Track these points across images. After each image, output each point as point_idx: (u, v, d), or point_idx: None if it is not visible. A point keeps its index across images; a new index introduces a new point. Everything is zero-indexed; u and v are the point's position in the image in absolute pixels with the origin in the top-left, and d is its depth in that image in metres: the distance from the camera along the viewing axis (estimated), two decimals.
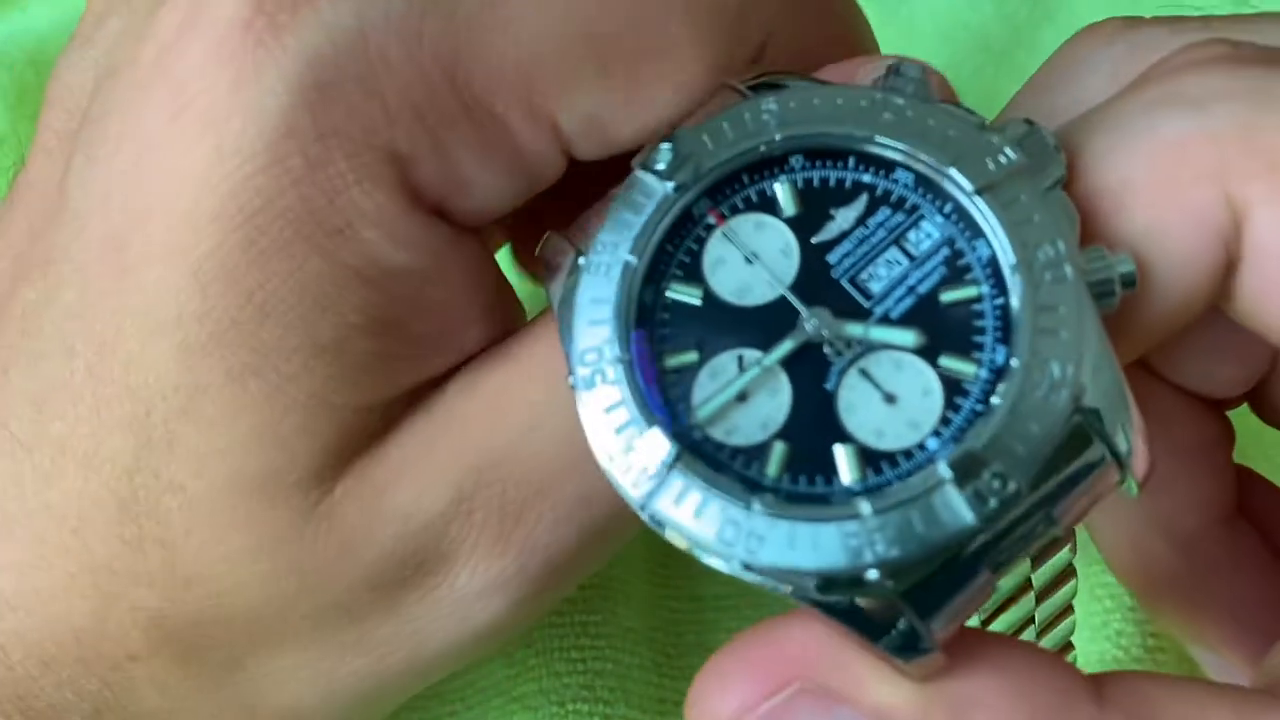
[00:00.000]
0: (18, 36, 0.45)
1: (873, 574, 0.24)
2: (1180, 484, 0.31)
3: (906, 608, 0.24)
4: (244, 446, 0.27)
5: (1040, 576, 0.27)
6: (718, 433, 0.25)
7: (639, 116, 0.28)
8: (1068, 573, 0.27)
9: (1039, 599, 0.27)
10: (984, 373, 0.25)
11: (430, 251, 0.27)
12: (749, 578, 0.24)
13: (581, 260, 0.26)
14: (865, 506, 0.24)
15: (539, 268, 0.28)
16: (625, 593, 0.37)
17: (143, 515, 0.27)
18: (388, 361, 0.27)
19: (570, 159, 0.28)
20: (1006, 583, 0.26)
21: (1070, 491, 0.24)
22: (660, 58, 0.27)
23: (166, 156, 0.26)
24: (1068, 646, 0.30)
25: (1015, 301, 0.25)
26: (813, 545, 0.24)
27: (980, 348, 0.25)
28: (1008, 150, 0.25)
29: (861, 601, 0.24)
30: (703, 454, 0.25)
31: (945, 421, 0.25)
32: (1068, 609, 0.29)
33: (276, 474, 0.27)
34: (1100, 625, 0.36)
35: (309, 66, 0.26)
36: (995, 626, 0.27)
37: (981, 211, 0.25)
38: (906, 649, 0.24)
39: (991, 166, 0.25)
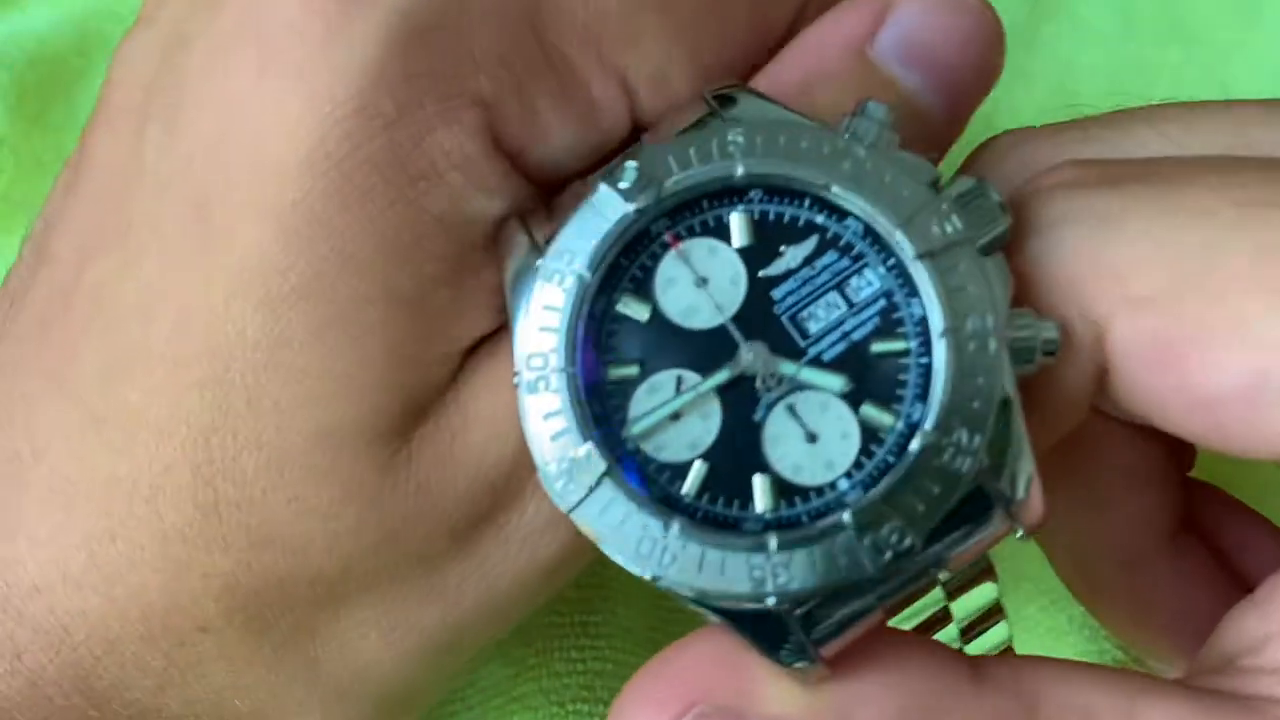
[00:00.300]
0: (18, 37, 0.44)
1: (771, 600, 0.26)
2: (1124, 504, 0.33)
3: (798, 630, 0.26)
4: (325, 400, 0.27)
5: (963, 608, 0.29)
6: (648, 447, 0.27)
7: (696, 74, 0.29)
8: (994, 610, 0.29)
9: (965, 634, 0.29)
10: (900, 425, 0.27)
11: (507, 198, 0.28)
12: (658, 586, 0.26)
13: (539, 261, 0.27)
14: (772, 541, 0.26)
15: None
16: (625, 593, 0.38)
17: (219, 477, 0.27)
18: (464, 311, 0.28)
19: (634, 121, 0.30)
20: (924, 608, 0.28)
21: (962, 542, 0.27)
22: (717, 15, 0.29)
23: (254, 113, 0.27)
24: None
25: (938, 366, 0.26)
26: (719, 570, 0.26)
27: (900, 400, 0.27)
28: (955, 217, 0.26)
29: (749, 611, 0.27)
30: (630, 468, 0.27)
31: (859, 465, 0.27)
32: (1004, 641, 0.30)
33: (357, 426, 0.27)
34: (1096, 627, 0.38)
35: (398, 15, 0.27)
36: None
37: (920, 275, 0.26)
38: (801, 658, 0.26)
39: (936, 231, 0.26)
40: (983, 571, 0.29)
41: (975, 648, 0.30)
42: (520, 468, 0.29)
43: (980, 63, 0.30)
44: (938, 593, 0.29)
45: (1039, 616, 0.39)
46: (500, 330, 0.30)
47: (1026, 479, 0.27)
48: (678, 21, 0.29)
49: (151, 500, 0.28)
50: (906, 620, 0.28)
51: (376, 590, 0.29)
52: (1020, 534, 0.27)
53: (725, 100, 0.29)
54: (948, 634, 0.29)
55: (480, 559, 0.29)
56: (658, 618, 0.39)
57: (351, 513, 0.28)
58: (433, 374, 0.29)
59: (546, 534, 0.29)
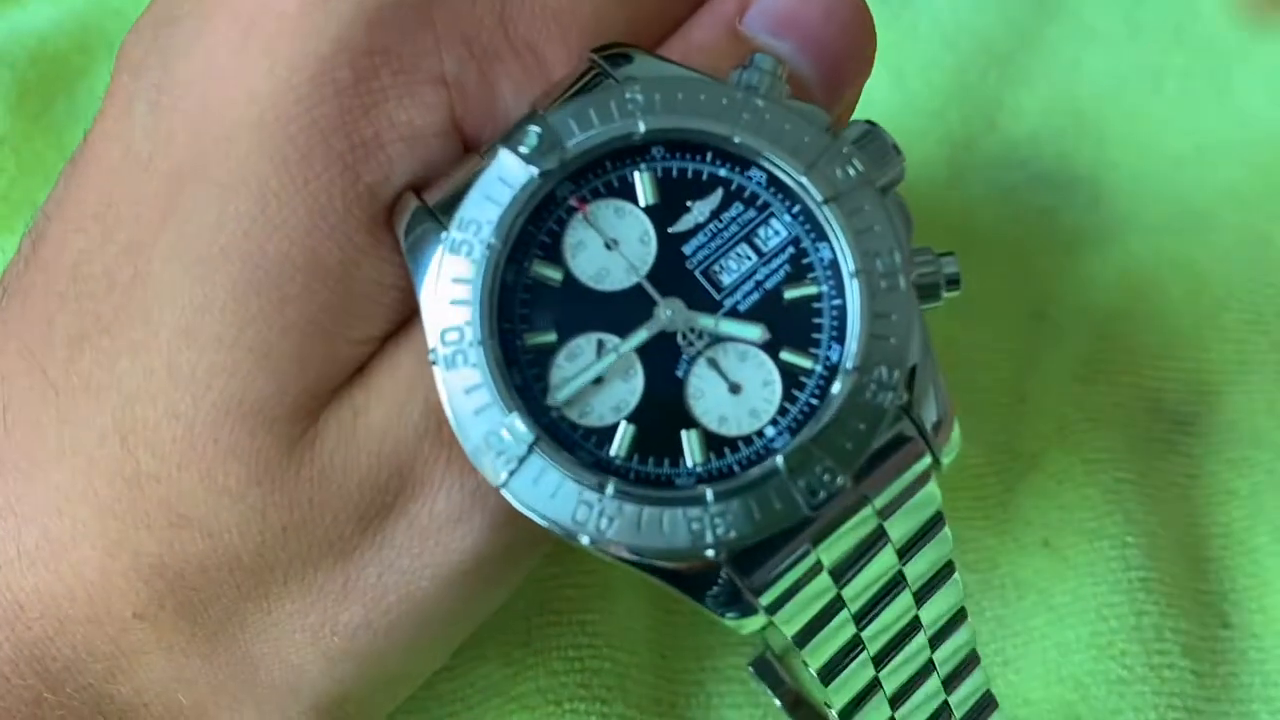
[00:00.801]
0: (19, 35, 0.43)
1: (710, 552, 0.26)
2: None
3: (733, 572, 0.26)
4: (239, 370, 0.27)
5: (930, 613, 0.29)
6: (572, 414, 0.27)
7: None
8: (959, 616, 0.30)
9: (946, 684, 0.30)
10: (819, 368, 0.27)
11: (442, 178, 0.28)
12: (595, 550, 0.26)
13: (444, 233, 0.27)
14: (708, 493, 0.26)
15: None
16: (624, 591, 0.38)
17: (140, 447, 0.27)
18: (387, 292, 0.28)
19: None
20: (888, 620, 0.29)
21: (886, 475, 0.27)
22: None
23: (229, 82, 0.27)
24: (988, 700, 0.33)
25: (852, 306, 0.27)
26: (659, 528, 0.26)
27: (817, 344, 0.27)
28: (855, 161, 0.27)
29: (680, 566, 0.27)
30: (558, 436, 0.26)
31: (783, 411, 0.27)
32: (971, 657, 0.31)
33: (267, 400, 0.27)
34: (1105, 645, 0.38)
35: None
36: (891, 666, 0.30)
37: (828, 219, 0.27)
38: (730, 603, 0.27)
39: (839, 176, 0.27)
40: (955, 617, 0.31)
41: (957, 698, 0.31)
42: (424, 450, 0.28)
43: (849, 29, 0.31)
44: (908, 598, 0.29)
45: (1046, 630, 0.38)
46: (412, 314, 0.29)
47: (940, 410, 0.27)
48: (645, 14, 0.30)
49: (88, 472, 0.28)
50: (879, 636, 0.29)
51: (296, 582, 0.28)
52: (941, 462, 0.28)
53: (618, 60, 0.28)
54: (929, 688, 0.30)
55: (394, 552, 0.29)
56: (656, 616, 0.39)
57: (258, 493, 0.27)
58: (347, 355, 0.28)
59: (461, 527, 0.29)
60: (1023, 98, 0.44)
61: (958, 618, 0.32)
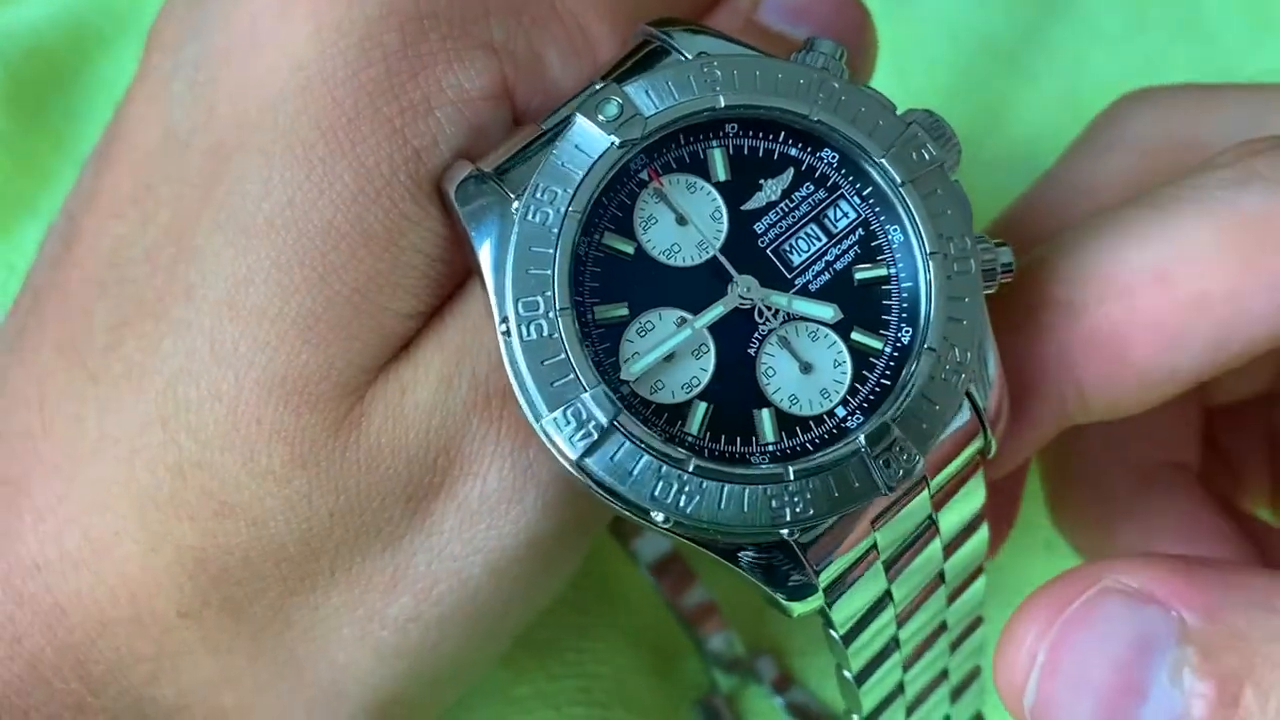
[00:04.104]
0: (14, 32, 0.41)
1: (785, 531, 0.26)
2: (1144, 418, 0.33)
3: (799, 550, 0.26)
4: (283, 343, 0.26)
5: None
6: (643, 389, 0.26)
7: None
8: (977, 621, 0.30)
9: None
10: (889, 349, 0.27)
11: (495, 145, 0.27)
12: (670, 527, 0.26)
13: (515, 203, 0.26)
14: (790, 471, 0.25)
15: None
16: (624, 594, 0.37)
17: (182, 432, 0.26)
18: (434, 265, 0.27)
19: None
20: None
21: (944, 457, 0.27)
22: None
23: (271, 50, 0.26)
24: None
25: (929, 288, 0.27)
26: (740, 505, 0.25)
27: (887, 325, 0.27)
28: (930, 146, 0.27)
29: (751, 554, 0.26)
30: (634, 412, 0.26)
31: (853, 392, 0.27)
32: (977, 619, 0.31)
33: (312, 378, 0.26)
34: None
35: None
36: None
37: (905, 201, 0.27)
38: (799, 591, 0.27)
39: (915, 159, 0.27)
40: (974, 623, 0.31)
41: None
42: (473, 426, 0.27)
43: (855, 17, 0.32)
44: (942, 598, 0.30)
45: None
46: (457, 289, 0.28)
47: (998, 392, 0.28)
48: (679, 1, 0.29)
49: (130, 462, 0.26)
50: (907, 583, 0.29)
51: (343, 573, 0.27)
52: (992, 446, 0.28)
53: (673, 34, 0.28)
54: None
55: (444, 538, 0.28)
56: (656, 618, 0.38)
57: (303, 478, 0.26)
58: (395, 330, 0.27)
59: (512, 508, 0.28)
60: (1027, 95, 0.44)
61: (975, 623, 0.32)
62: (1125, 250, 0.28)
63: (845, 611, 0.28)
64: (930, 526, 0.29)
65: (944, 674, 0.33)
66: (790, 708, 0.38)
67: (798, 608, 0.27)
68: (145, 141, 0.28)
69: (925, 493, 0.28)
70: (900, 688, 0.31)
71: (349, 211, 0.26)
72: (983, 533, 0.30)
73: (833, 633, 0.28)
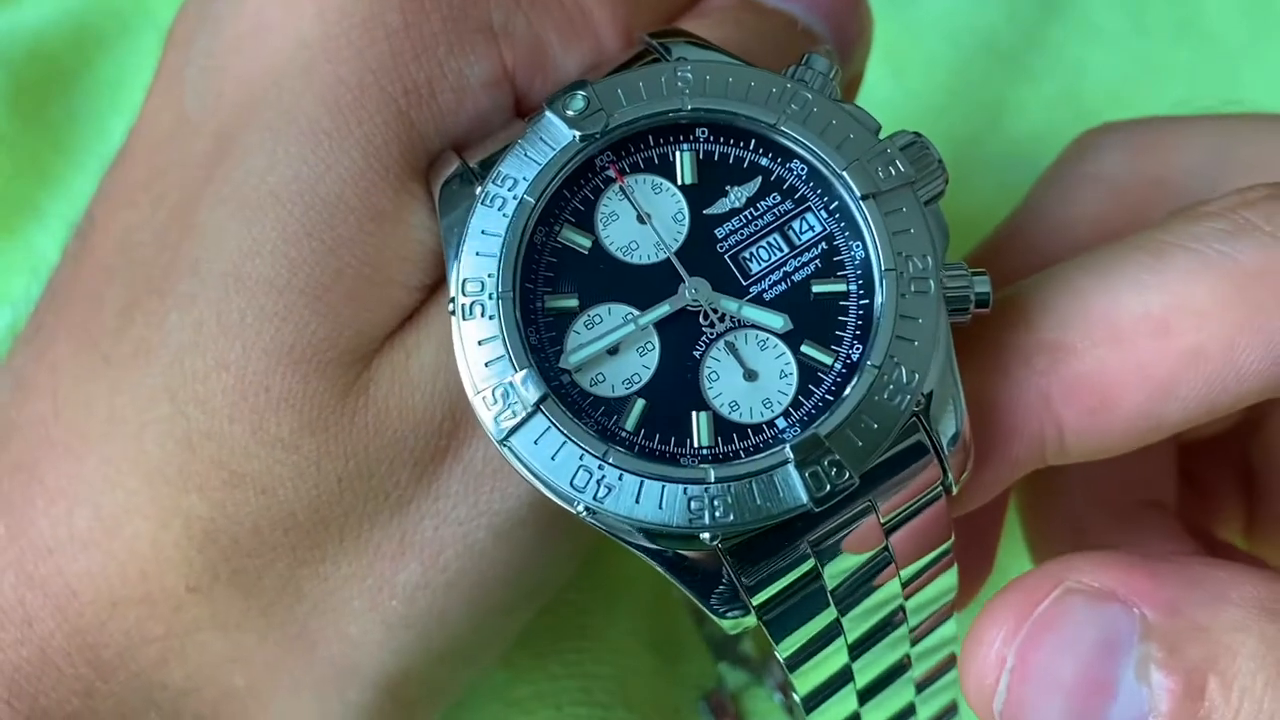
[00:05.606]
0: (16, 33, 0.44)
1: (706, 535, 0.25)
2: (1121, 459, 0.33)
3: (728, 561, 0.26)
4: (291, 313, 0.26)
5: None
6: (583, 380, 0.26)
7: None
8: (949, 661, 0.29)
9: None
10: (839, 365, 0.27)
11: (497, 129, 0.28)
12: (589, 519, 0.26)
13: (478, 189, 0.27)
14: (711, 473, 0.25)
15: None
16: (627, 594, 0.38)
17: (190, 404, 0.27)
18: (437, 238, 0.27)
19: None
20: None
21: (895, 487, 0.27)
22: None
23: (278, 33, 0.27)
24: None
25: (880, 305, 0.26)
26: (657, 503, 0.25)
27: (840, 341, 0.27)
28: (899, 162, 0.27)
29: (686, 553, 0.26)
30: (566, 399, 0.26)
31: (796, 405, 0.26)
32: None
33: (320, 344, 0.27)
34: None
35: None
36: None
37: (865, 216, 0.27)
38: (729, 601, 0.26)
39: (881, 175, 0.27)
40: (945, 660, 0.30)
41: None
42: None
43: None
44: (904, 635, 0.29)
45: None
46: None
47: (958, 426, 0.27)
48: None
49: (139, 437, 0.27)
50: (862, 619, 0.28)
51: (352, 540, 0.27)
52: (952, 484, 0.27)
53: (670, 44, 0.29)
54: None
55: (450, 501, 0.28)
56: (658, 618, 0.38)
57: (312, 443, 0.27)
58: (403, 301, 0.28)
59: (518, 474, 0.27)
60: (1026, 95, 0.44)
61: (946, 662, 0.31)
62: (1119, 294, 0.27)
63: (788, 638, 0.27)
64: (888, 564, 0.28)
65: (911, 708, 0.31)
66: (794, 713, 0.37)
67: (728, 624, 0.27)
68: (158, 131, 0.29)
69: (875, 523, 0.27)
70: (856, 717, 0.30)
71: (357, 186, 0.27)
72: (949, 575, 0.29)
73: (777, 654, 0.28)
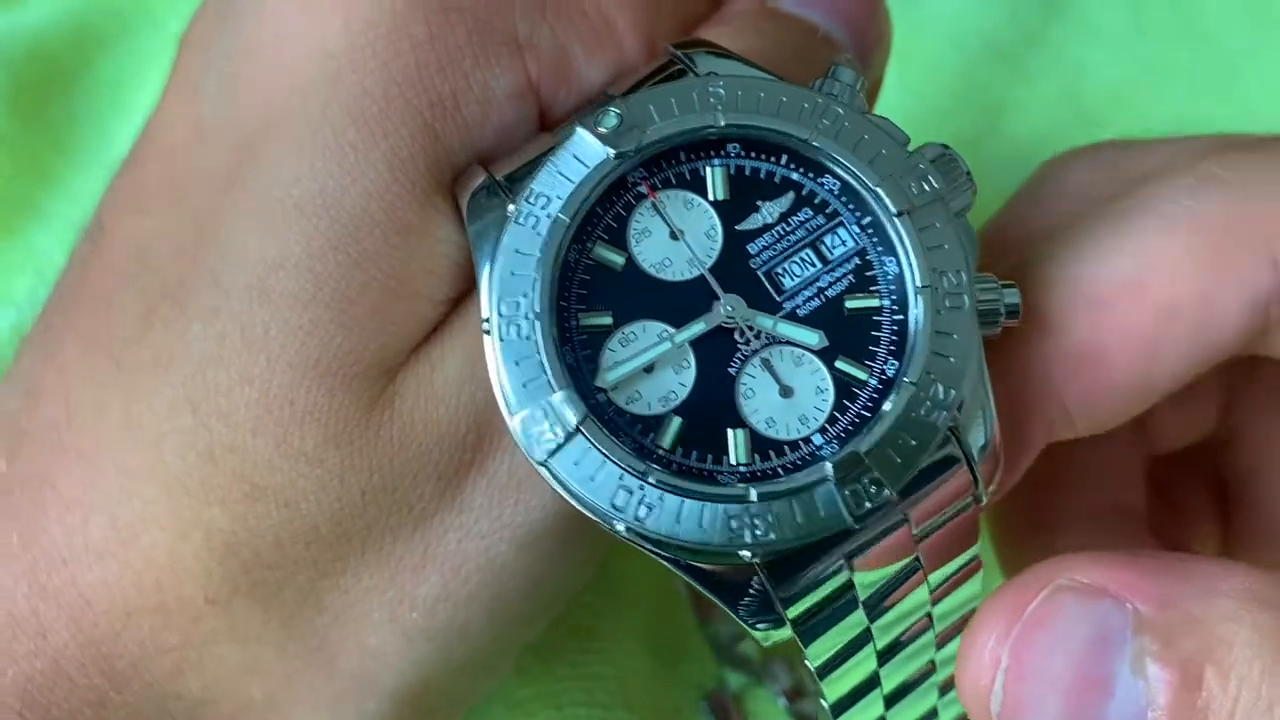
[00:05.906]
0: (16, 33, 0.43)
1: (746, 554, 0.25)
2: (1090, 461, 0.34)
3: (765, 579, 0.26)
4: (316, 327, 0.26)
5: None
6: (620, 399, 0.26)
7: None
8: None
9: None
10: (874, 381, 0.27)
11: (522, 142, 0.28)
12: (628, 538, 0.26)
13: (510, 207, 0.27)
14: (752, 493, 0.25)
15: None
16: (630, 596, 0.37)
17: (213, 416, 0.26)
18: (463, 251, 0.27)
19: None
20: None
21: (928, 497, 0.27)
22: None
23: (300, 42, 0.27)
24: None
25: (917, 322, 0.26)
26: (698, 522, 0.25)
27: (874, 357, 0.27)
28: (931, 178, 0.27)
29: (715, 567, 0.26)
30: (604, 418, 0.26)
31: (832, 420, 0.27)
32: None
33: (346, 358, 0.26)
34: None
35: None
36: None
37: (899, 232, 0.27)
38: (760, 612, 0.26)
39: (914, 191, 0.27)
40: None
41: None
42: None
43: (869, 2, 0.32)
44: (930, 640, 0.29)
45: None
46: None
47: (988, 436, 0.27)
48: None
49: (158, 446, 0.27)
50: (891, 626, 0.28)
51: (374, 553, 0.27)
52: (982, 494, 0.28)
53: (696, 55, 0.28)
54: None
55: (473, 515, 0.28)
56: (660, 624, 0.38)
57: (336, 457, 0.26)
58: (425, 311, 0.27)
59: (539, 484, 0.27)
60: (1028, 97, 0.44)
61: None
62: (1096, 265, 0.28)
63: (819, 646, 0.27)
64: (916, 570, 0.28)
65: (934, 712, 0.32)
66: (797, 717, 0.37)
67: (764, 637, 0.27)
68: (173, 138, 0.29)
69: (908, 533, 0.27)
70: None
71: (382, 200, 0.27)
72: (975, 581, 0.29)
73: (807, 663, 0.28)
